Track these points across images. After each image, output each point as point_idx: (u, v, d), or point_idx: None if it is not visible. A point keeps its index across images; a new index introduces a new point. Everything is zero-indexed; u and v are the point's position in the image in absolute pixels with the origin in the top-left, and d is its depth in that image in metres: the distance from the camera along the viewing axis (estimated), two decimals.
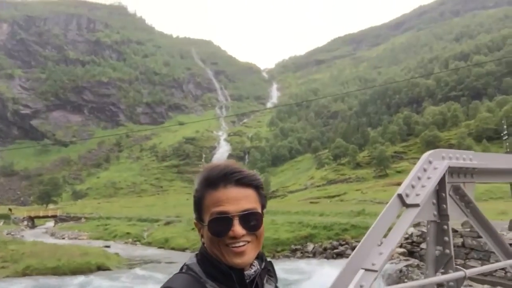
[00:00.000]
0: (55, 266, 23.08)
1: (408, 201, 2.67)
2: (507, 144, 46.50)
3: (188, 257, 1.21)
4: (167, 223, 46.40)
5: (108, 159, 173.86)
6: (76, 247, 31.26)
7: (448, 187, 2.87)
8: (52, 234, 51.32)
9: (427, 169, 2.82)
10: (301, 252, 32.01)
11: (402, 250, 25.07)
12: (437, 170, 2.81)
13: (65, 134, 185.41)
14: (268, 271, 1.28)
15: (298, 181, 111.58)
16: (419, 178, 2.77)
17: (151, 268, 26.31)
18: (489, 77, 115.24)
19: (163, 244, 38.20)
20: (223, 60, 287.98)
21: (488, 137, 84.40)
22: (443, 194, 2.85)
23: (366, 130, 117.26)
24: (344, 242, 31.05)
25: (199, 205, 1.21)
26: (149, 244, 39.79)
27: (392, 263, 23.06)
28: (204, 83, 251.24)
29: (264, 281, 1.23)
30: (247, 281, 1.17)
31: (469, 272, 2.67)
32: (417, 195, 2.68)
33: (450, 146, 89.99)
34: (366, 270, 2.40)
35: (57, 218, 66.19)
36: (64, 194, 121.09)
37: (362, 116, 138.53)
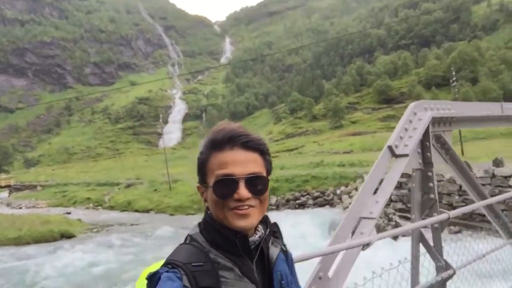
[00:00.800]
0: (16, 236, 22.53)
1: (398, 152, 2.81)
2: (456, 90, 48.43)
3: (190, 226, 1.17)
4: (128, 186, 45.92)
5: (58, 124, 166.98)
6: (36, 216, 30.51)
7: (431, 136, 3.04)
8: (8, 205, 49.63)
9: (413, 121, 2.97)
10: None
11: None
12: (421, 121, 2.95)
13: (10, 100, 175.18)
14: (274, 233, 1.26)
15: None
16: (406, 130, 2.92)
17: (116, 231, 26.26)
18: (437, 25, 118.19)
19: (126, 207, 37.95)
20: (172, 14, 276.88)
21: (437, 84, 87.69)
22: (427, 144, 3.02)
23: (321, 82, 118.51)
24: (305, 193, 32.09)
25: (203, 168, 1.18)
26: (111, 208, 39.37)
27: None
28: (154, 39, 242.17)
29: (270, 244, 1.21)
30: (252, 247, 1.15)
31: (452, 213, 2.90)
32: (406, 145, 2.83)
33: (402, 95, 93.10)
34: (365, 218, 2.56)
35: (11, 188, 63.84)
36: (15, 162, 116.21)
37: (316, 68, 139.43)
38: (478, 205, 3.20)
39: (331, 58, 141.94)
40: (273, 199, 32.94)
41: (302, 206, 30.24)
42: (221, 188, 1.11)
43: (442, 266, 2.87)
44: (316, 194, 30.44)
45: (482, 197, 3.43)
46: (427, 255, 2.98)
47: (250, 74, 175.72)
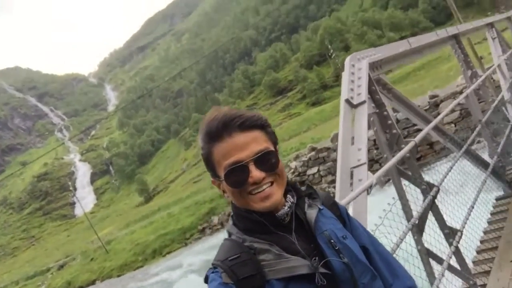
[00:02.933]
0: None
1: (355, 101, 3.03)
2: (337, 61, 52.14)
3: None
4: (61, 267, 42.41)
5: None
6: None
7: (373, 80, 3.31)
8: None
9: (354, 72, 3.21)
10: (210, 228, 32.51)
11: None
12: (362, 69, 3.22)
13: None
14: (310, 195, 1.22)
15: (173, 168, 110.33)
16: (352, 81, 3.15)
17: None
18: (296, 10, 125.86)
19: (68, 287, 35.03)
20: (40, 81, 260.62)
21: (316, 62, 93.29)
22: (373, 88, 3.29)
23: (215, 96, 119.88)
24: None
25: (209, 162, 1.14)
26: None
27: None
28: (31, 112, 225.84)
29: (306, 208, 1.16)
30: (287, 219, 1.12)
31: (417, 139, 3.19)
32: (359, 94, 3.06)
33: (290, 82, 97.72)
34: (356, 167, 2.72)
35: None
36: None
37: (205, 85, 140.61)
38: (428, 128, 3.55)
39: (215, 71, 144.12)
40: (215, 219, 32.67)
41: None
42: (233, 177, 1.08)
43: (426, 188, 3.14)
44: None
45: (428, 122, 3.81)
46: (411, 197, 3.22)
47: (143, 112, 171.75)
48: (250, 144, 1.09)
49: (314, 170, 25.88)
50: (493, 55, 7.06)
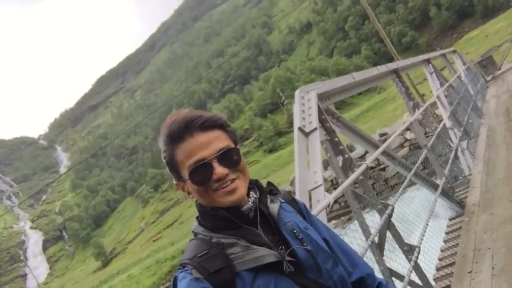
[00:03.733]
0: None
1: (307, 129, 3.17)
2: (289, 107, 53.75)
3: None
4: None
5: None
6: None
7: (323, 110, 3.48)
8: None
9: (304, 102, 3.38)
10: None
11: None
12: (311, 100, 3.39)
13: None
14: (270, 191, 1.25)
15: (131, 228, 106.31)
16: (303, 111, 3.30)
17: None
18: (247, 62, 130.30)
19: None
20: None
21: (270, 110, 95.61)
22: (323, 116, 3.46)
23: None
24: None
25: (172, 164, 1.15)
26: None
27: None
28: None
29: (268, 203, 1.20)
30: (251, 214, 1.15)
31: (368, 162, 3.34)
32: (310, 122, 3.21)
33: (246, 131, 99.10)
34: (313, 189, 2.80)
35: None
36: None
37: None
38: (378, 152, 3.73)
39: None
40: None
41: None
42: (198, 175, 1.10)
43: (381, 207, 3.26)
44: None
45: (376, 147, 4.00)
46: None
47: (97, 171, 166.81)
48: (212, 142, 1.11)
49: None
50: (432, 88, 7.59)
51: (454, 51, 13.21)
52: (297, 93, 3.41)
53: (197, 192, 1.13)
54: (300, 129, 3.10)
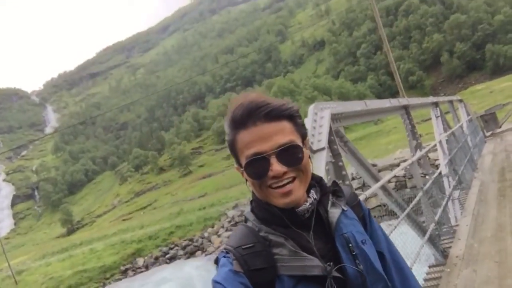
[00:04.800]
0: None
1: (315, 147, 3.06)
2: None
3: None
4: None
5: None
6: None
7: (333, 131, 3.38)
8: None
9: (317, 119, 3.27)
10: (133, 270, 30.69)
11: (228, 233, 26.64)
12: (324, 118, 3.28)
13: None
14: (335, 192, 1.16)
15: (103, 202, 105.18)
16: (314, 128, 3.19)
17: None
18: (254, 65, 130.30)
19: None
20: None
21: None
22: (332, 138, 3.35)
23: (160, 134, 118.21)
24: (173, 245, 31.04)
25: (233, 150, 1.09)
26: None
27: None
28: None
29: (328, 207, 1.10)
30: (306, 216, 1.07)
31: (367, 193, 3.25)
32: (319, 140, 3.10)
33: None
34: None
35: None
36: None
37: (152, 121, 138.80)
38: (377, 185, 3.64)
39: (165, 109, 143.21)
40: (140, 261, 31.06)
41: (173, 259, 29.14)
42: (253, 168, 1.03)
43: None
44: (185, 243, 29.71)
45: (376, 180, 3.91)
46: None
47: (82, 139, 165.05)
48: (274, 135, 1.03)
49: None
50: (435, 132, 7.56)
51: (461, 100, 13.27)
52: (311, 108, 3.31)
53: (252, 184, 1.07)
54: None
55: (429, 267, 4.90)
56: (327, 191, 1.13)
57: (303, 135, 1.09)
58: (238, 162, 1.09)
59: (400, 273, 1.19)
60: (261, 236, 1.05)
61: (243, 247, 1.02)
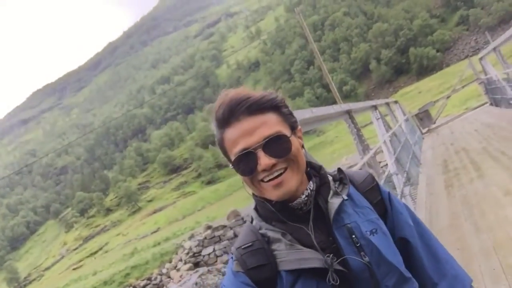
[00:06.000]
0: None
1: None
2: None
3: None
4: None
5: None
6: None
7: None
8: None
9: None
10: None
11: (188, 266, 25.86)
12: None
13: None
14: (341, 180, 1.10)
15: (50, 253, 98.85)
16: None
17: None
18: (193, 92, 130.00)
19: None
20: None
21: (212, 142, 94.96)
22: None
23: (103, 173, 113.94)
24: (131, 287, 29.64)
25: (223, 150, 1.06)
26: None
27: (185, 281, 23.52)
28: None
29: (329, 197, 1.05)
30: (304, 209, 1.03)
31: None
32: None
33: (185, 160, 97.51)
34: None
35: None
36: None
37: (93, 161, 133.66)
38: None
39: (105, 147, 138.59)
40: None
41: None
42: (242, 165, 1.00)
43: None
44: (143, 283, 28.39)
45: None
46: None
47: (19, 189, 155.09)
48: (258, 128, 0.99)
49: (209, 250, 25.09)
50: (378, 133, 7.75)
51: (396, 102, 13.86)
52: None
53: (245, 182, 1.04)
54: None
55: None
56: (326, 181, 1.08)
57: (292, 124, 1.05)
58: (230, 161, 1.06)
59: (433, 258, 1.12)
60: (260, 233, 1.03)
61: (243, 246, 1.01)
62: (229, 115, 1.01)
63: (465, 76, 21.86)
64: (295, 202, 1.02)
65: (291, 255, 0.98)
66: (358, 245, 1.00)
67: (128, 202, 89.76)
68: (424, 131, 17.33)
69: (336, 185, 1.09)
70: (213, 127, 1.07)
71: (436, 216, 5.72)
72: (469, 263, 3.79)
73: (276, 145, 0.99)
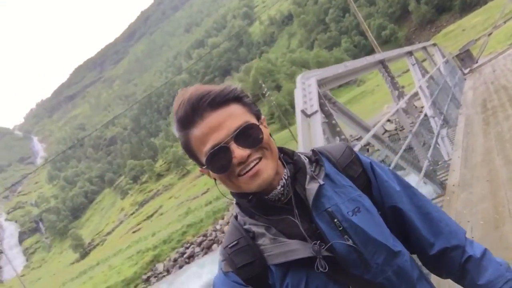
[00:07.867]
0: None
1: (309, 112, 3.45)
2: (271, 98, 54.63)
3: None
4: None
5: None
6: None
7: (321, 95, 3.77)
8: None
9: (305, 88, 3.66)
10: (155, 277, 31.28)
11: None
12: (311, 85, 3.68)
13: None
14: (317, 161, 1.07)
15: (109, 219, 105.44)
16: (305, 95, 3.58)
17: None
18: (228, 53, 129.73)
19: None
20: None
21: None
22: (322, 101, 3.74)
23: (151, 141, 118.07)
24: (189, 244, 31.66)
25: (190, 151, 1.00)
26: None
27: None
28: None
29: (306, 183, 1.01)
30: (283, 199, 1.00)
31: (362, 142, 3.65)
32: (312, 105, 3.50)
33: None
34: None
35: None
36: None
37: (139, 130, 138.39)
38: (370, 134, 4.05)
39: (149, 116, 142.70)
40: (160, 266, 31.58)
41: (192, 257, 29.72)
42: (216, 162, 0.95)
43: None
44: (199, 239, 30.27)
45: (368, 130, 4.32)
46: None
47: (74, 162, 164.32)
48: (225, 121, 0.95)
49: None
50: (414, 79, 7.98)
51: (435, 44, 13.70)
52: (298, 78, 3.69)
53: (221, 179, 0.99)
54: (302, 111, 3.38)
55: (431, 200, 5.37)
56: (301, 166, 1.04)
57: (257, 113, 1.02)
58: (200, 163, 1.00)
59: (426, 218, 1.09)
60: (244, 229, 1.00)
61: (229, 246, 0.99)
62: (193, 113, 0.96)
63: (508, 10, 20.83)
64: (271, 194, 0.99)
65: (276, 249, 0.96)
66: (341, 228, 0.97)
67: (177, 166, 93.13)
68: (466, 71, 16.98)
69: (313, 168, 1.05)
70: (175, 130, 1.01)
71: (471, 153, 6.04)
72: (496, 191, 4.21)
73: (248, 135, 0.95)
